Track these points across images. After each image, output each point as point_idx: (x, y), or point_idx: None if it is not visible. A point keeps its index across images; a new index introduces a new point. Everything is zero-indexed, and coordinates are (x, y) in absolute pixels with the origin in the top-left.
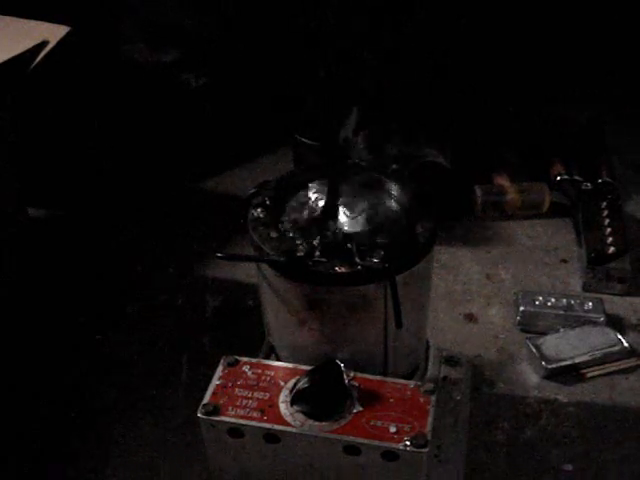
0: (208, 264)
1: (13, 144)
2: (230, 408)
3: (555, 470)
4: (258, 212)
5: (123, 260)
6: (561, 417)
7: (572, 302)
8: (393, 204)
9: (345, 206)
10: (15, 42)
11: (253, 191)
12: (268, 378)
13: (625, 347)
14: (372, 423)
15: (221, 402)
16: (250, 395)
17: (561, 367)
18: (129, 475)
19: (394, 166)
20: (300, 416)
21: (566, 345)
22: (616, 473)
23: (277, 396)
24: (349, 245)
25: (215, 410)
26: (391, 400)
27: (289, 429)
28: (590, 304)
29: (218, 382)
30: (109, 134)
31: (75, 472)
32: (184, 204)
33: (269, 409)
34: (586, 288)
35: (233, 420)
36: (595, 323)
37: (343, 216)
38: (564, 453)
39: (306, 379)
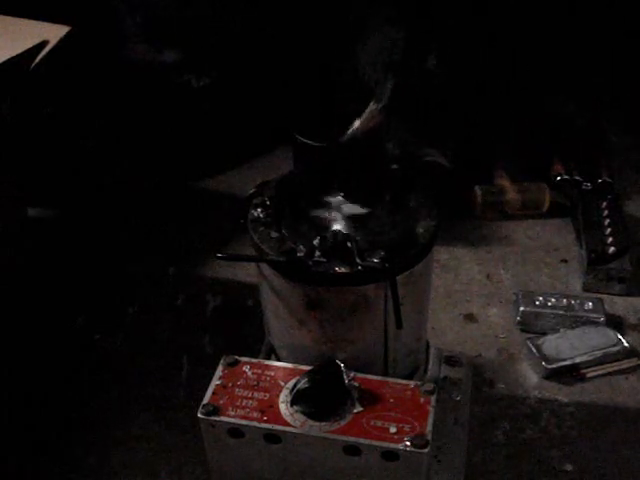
0: (208, 264)
1: (13, 144)
2: (230, 408)
3: (555, 470)
4: (258, 212)
5: (122, 260)
6: (561, 417)
7: (572, 302)
8: (393, 204)
9: (345, 206)
10: (15, 42)
11: (253, 191)
12: (268, 378)
13: (625, 347)
14: (372, 423)
15: (221, 402)
16: (250, 395)
17: (561, 367)
18: (129, 475)
19: (394, 166)
20: (300, 416)
21: (566, 345)
22: (616, 473)
23: (277, 396)
24: (349, 245)
25: (215, 410)
26: (391, 400)
27: (289, 429)
28: (590, 304)
29: (218, 382)
30: (109, 134)
31: (75, 472)
32: (184, 204)
33: (269, 409)
34: (586, 288)
35: (233, 420)
36: (595, 323)
37: (343, 216)
38: (564, 453)
39: (306, 379)
